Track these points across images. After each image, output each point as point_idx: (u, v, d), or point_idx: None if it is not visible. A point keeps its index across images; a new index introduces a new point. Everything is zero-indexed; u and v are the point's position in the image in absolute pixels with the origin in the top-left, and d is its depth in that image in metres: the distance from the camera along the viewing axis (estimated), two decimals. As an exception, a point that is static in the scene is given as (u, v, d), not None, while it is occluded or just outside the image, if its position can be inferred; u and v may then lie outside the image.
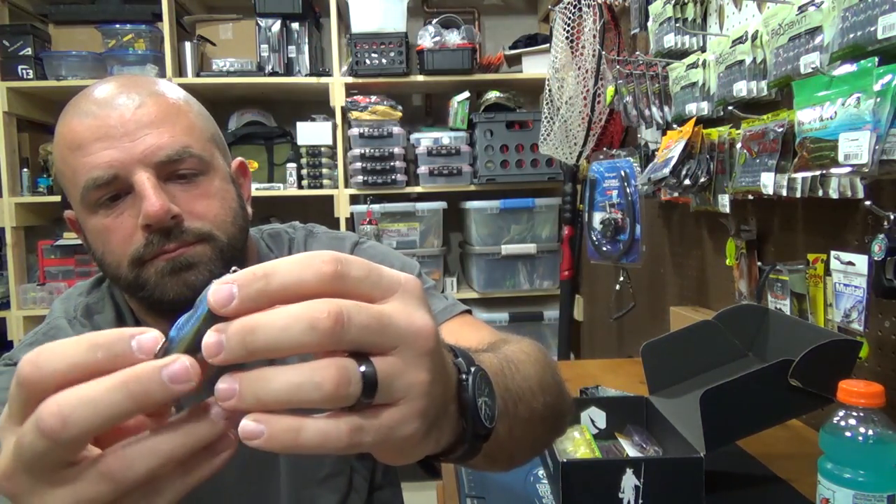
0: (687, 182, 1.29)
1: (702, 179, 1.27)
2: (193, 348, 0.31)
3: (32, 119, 2.65)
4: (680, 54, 1.40)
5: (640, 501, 0.81)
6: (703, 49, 1.35)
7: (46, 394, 0.30)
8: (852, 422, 0.66)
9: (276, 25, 2.55)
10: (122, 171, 0.69)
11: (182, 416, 0.32)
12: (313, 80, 2.56)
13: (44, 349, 0.31)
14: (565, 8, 1.92)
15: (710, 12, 1.37)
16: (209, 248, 0.72)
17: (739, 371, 0.85)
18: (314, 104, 2.72)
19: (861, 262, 0.90)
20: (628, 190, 1.62)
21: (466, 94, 2.61)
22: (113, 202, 0.70)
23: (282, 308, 0.31)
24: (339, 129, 2.57)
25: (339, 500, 0.84)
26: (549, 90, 2.04)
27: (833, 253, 0.96)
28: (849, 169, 0.82)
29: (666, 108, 1.48)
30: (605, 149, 1.81)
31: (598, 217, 1.74)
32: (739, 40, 1.14)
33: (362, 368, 0.32)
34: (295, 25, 2.59)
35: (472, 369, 0.42)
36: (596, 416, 1.06)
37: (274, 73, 2.56)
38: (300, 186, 2.62)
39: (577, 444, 0.96)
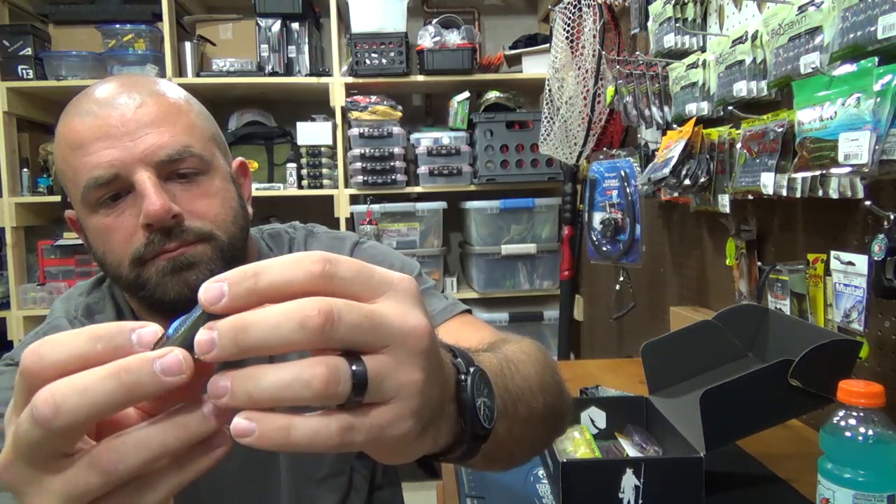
0: (687, 182, 1.29)
1: (702, 179, 1.27)
2: (188, 346, 0.31)
3: (32, 119, 2.65)
4: (680, 54, 1.40)
5: (640, 501, 0.81)
6: (703, 49, 1.35)
7: (46, 384, 0.31)
8: (852, 422, 0.66)
9: (276, 25, 2.55)
10: (122, 170, 0.69)
11: (174, 411, 0.32)
12: (313, 80, 2.56)
13: (46, 340, 0.32)
14: (565, 8, 1.92)
15: (710, 12, 1.37)
16: (210, 248, 0.72)
17: (739, 371, 0.85)
18: (314, 104, 2.72)
19: (861, 262, 0.90)
20: (628, 190, 1.62)
21: (466, 94, 2.61)
22: (114, 201, 0.70)
23: (274, 306, 0.31)
24: (339, 129, 2.57)
25: (339, 499, 0.84)
26: (549, 90, 2.04)
27: (833, 253, 0.96)
28: (849, 169, 0.82)
29: (666, 108, 1.48)
30: (605, 149, 1.81)
31: (598, 217, 1.74)
32: (739, 40, 1.14)
33: (353, 367, 0.32)
34: (295, 25, 2.59)
35: (471, 369, 0.42)
36: (596, 416, 1.06)
37: (274, 73, 2.56)
38: (300, 186, 2.62)
39: (577, 444, 0.97)
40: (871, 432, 0.65)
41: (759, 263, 1.23)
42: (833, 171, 0.85)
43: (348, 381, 0.31)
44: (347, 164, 2.59)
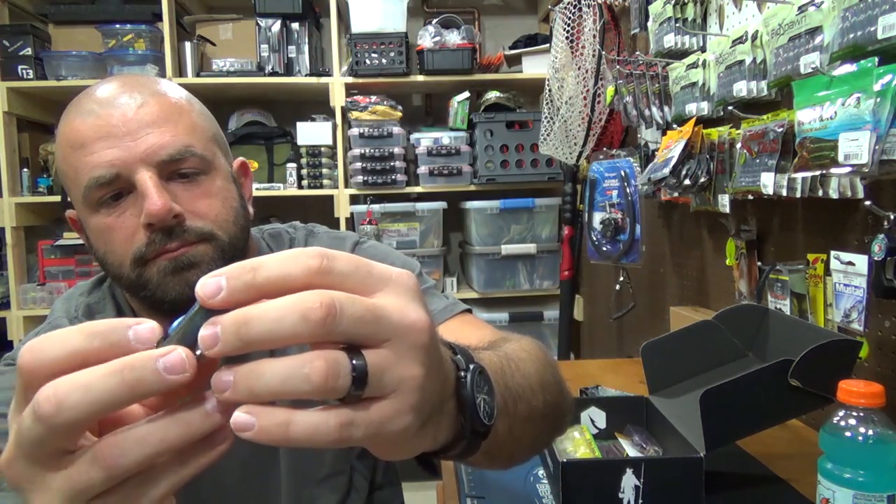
0: (687, 182, 1.29)
1: (702, 179, 1.27)
2: (189, 343, 0.31)
3: (32, 119, 2.65)
4: (680, 54, 1.40)
5: (640, 501, 0.81)
6: (703, 49, 1.35)
7: (45, 381, 0.31)
8: (852, 422, 0.66)
9: (276, 25, 2.55)
10: (124, 170, 0.69)
11: (177, 407, 0.32)
12: (313, 80, 2.56)
13: (44, 337, 0.32)
14: (565, 8, 1.92)
15: (710, 12, 1.37)
16: (211, 248, 0.72)
17: (739, 371, 0.85)
18: (314, 104, 2.72)
19: (861, 262, 0.90)
20: (628, 190, 1.62)
21: (466, 94, 2.62)
22: (115, 201, 0.70)
23: (276, 300, 0.31)
24: (339, 129, 2.58)
25: (339, 499, 0.84)
26: (549, 90, 2.04)
27: (833, 253, 0.96)
28: (849, 169, 0.82)
29: (666, 108, 1.48)
30: (605, 149, 1.81)
31: (598, 217, 1.74)
32: (739, 40, 1.14)
33: (353, 361, 0.32)
34: (295, 25, 2.59)
35: (471, 366, 0.42)
36: (596, 416, 1.06)
37: (274, 73, 2.56)
38: (300, 186, 2.62)
39: (577, 444, 0.97)
40: (871, 432, 0.65)
41: (759, 263, 1.23)
42: (833, 171, 0.85)
43: (348, 375, 0.31)
44: (347, 164, 2.59)
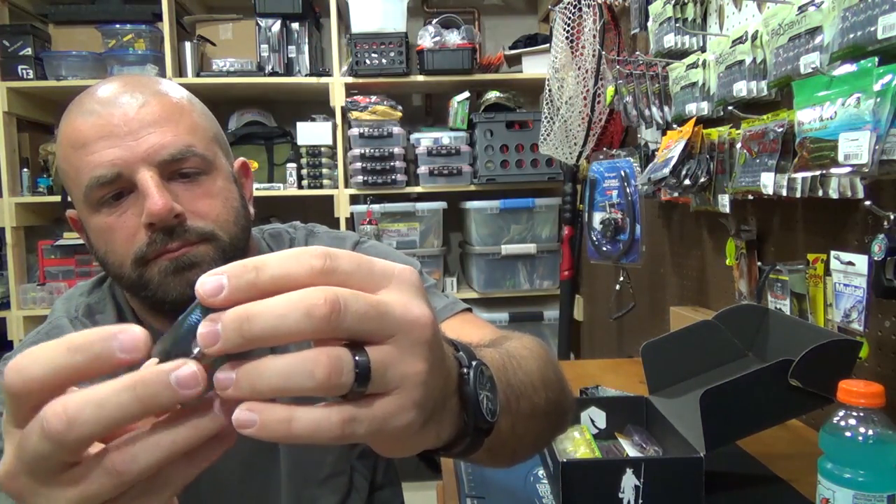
0: (687, 182, 1.29)
1: (702, 179, 1.27)
2: (186, 343, 0.31)
3: (32, 119, 2.65)
4: (680, 54, 1.40)
5: (640, 501, 0.81)
6: (703, 49, 1.35)
7: (32, 399, 0.31)
8: (852, 422, 0.66)
9: (276, 25, 2.55)
10: (125, 169, 0.69)
11: (186, 410, 0.32)
12: (313, 80, 2.56)
13: (26, 354, 0.31)
14: (565, 8, 1.92)
15: (710, 12, 1.37)
16: (212, 248, 0.72)
17: (739, 371, 0.85)
18: (314, 104, 2.72)
19: (861, 262, 0.90)
20: (628, 190, 1.62)
21: (466, 94, 2.62)
22: (116, 201, 0.70)
23: (279, 296, 0.31)
24: (339, 129, 2.58)
25: (339, 500, 0.84)
26: (549, 90, 2.04)
27: (833, 253, 0.96)
28: (849, 169, 0.82)
29: (666, 108, 1.48)
30: (605, 149, 1.81)
31: (598, 217, 1.74)
32: (739, 40, 1.14)
33: (356, 357, 0.32)
34: (295, 25, 2.59)
35: (473, 363, 0.42)
36: (596, 416, 1.06)
37: (274, 73, 2.56)
38: (300, 186, 2.62)
39: (577, 444, 0.97)
40: (871, 432, 0.65)
41: (759, 263, 1.23)
42: (833, 171, 0.85)
43: (351, 372, 0.31)
44: (347, 164, 2.59)
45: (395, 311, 0.33)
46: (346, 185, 2.60)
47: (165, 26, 2.45)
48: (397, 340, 0.33)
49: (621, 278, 1.81)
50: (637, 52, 1.59)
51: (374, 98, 2.58)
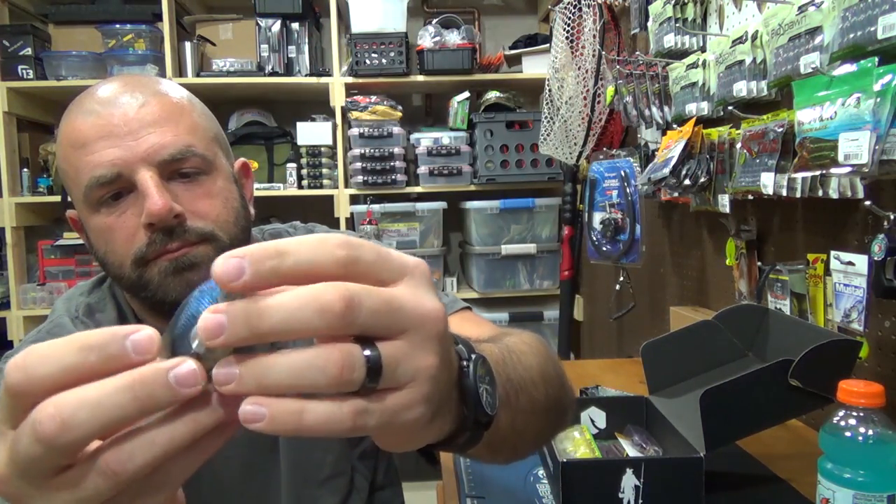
0: (687, 182, 1.29)
1: (702, 179, 1.27)
2: (188, 333, 0.30)
3: (32, 119, 2.65)
4: (680, 54, 1.40)
5: (640, 501, 0.81)
6: (703, 49, 1.35)
7: (34, 398, 0.29)
8: (852, 422, 0.66)
9: (276, 25, 2.55)
10: (125, 169, 0.69)
11: (182, 404, 0.31)
12: (313, 80, 2.56)
13: (32, 351, 0.30)
14: (565, 8, 1.92)
15: (710, 12, 1.37)
16: (211, 249, 0.72)
17: (739, 371, 0.85)
18: (314, 104, 2.72)
19: (861, 262, 0.90)
20: (628, 190, 1.62)
21: (466, 94, 2.62)
22: (115, 201, 0.70)
23: (291, 291, 0.30)
24: (339, 129, 2.58)
25: (340, 500, 0.84)
26: (549, 90, 2.04)
27: (833, 253, 0.96)
28: (849, 169, 0.82)
29: (666, 108, 1.48)
30: (605, 149, 1.81)
31: (598, 217, 1.74)
32: (739, 40, 1.14)
33: (366, 353, 0.31)
34: (295, 25, 2.59)
35: (473, 356, 0.42)
36: (596, 416, 1.06)
37: (274, 73, 2.56)
38: (300, 186, 2.62)
39: (577, 444, 0.97)
40: (871, 432, 0.65)
41: (759, 263, 1.23)
42: (833, 171, 0.85)
43: (363, 368, 0.31)
44: (347, 164, 2.59)
45: (408, 307, 0.33)
46: (346, 185, 2.60)
47: (165, 26, 2.45)
48: (409, 335, 0.33)
49: (621, 278, 1.81)
50: (637, 52, 1.59)
51: (374, 98, 2.58)
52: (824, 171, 0.87)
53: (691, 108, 1.32)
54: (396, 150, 2.55)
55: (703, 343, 1.06)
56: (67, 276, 2.60)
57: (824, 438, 0.69)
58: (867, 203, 0.90)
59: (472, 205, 2.59)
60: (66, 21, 2.59)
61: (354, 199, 2.63)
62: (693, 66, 1.31)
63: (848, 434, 0.66)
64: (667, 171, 1.30)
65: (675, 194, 1.42)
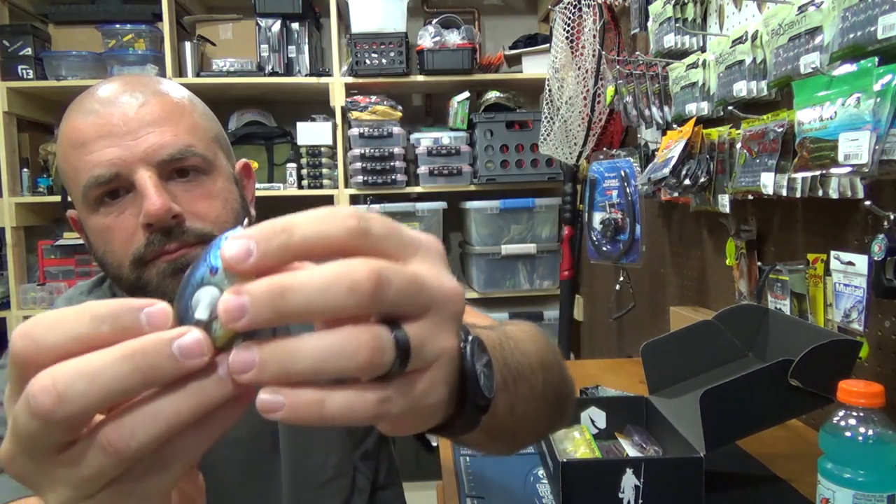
0: (687, 182, 1.29)
1: (702, 179, 1.27)
2: (190, 307, 0.29)
3: (32, 119, 2.65)
4: (680, 54, 1.40)
5: (640, 501, 0.81)
6: (703, 49, 1.35)
7: (40, 370, 0.27)
8: (852, 422, 0.66)
9: (276, 25, 2.55)
10: (123, 169, 0.69)
11: (188, 377, 0.28)
12: (313, 80, 2.56)
13: (39, 319, 0.28)
14: (565, 8, 1.92)
15: (710, 12, 1.37)
16: None
17: (739, 371, 0.85)
18: (314, 104, 2.72)
19: (861, 262, 0.90)
20: (628, 190, 1.62)
21: (466, 94, 2.62)
22: (113, 200, 0.70)
23: (319, 268, 0.28)
24: (339, 129, 2.58)
25: (342, 503, 0.84)
26: (549, 90, 2.04)
27: (833, 253, 0.96)
28: (849, 169, 0.82)
29: (666, 108, 1.48)
30: (605, 149, 1.81)
31: (598, 217, 1.74)
32: (739, 40, 1.14)
33: (394, 334, 0.29)
34: (295, 25, 2.59)
35: (470, 338, 0.40)
36: (596, 416, 1.06)
37: (274, 73, 2.56)
38: (300, 186, 2.62)
39: (577, 444, 0.97)
40: (871, 432, 0.65)
41: (759, 263, 1.23)
42: (833, 171, 0.85)
43: (392, 350, 0.29)
44: (347, 164, 2.59)
45: (432, 285, 0.31)
46: (346, 185, 2.60)
47: (165, 26, 2.45)
48: (432, 315, 0.31)
49: (621, 278, 1.81)
50: (637, 52, 1.59)
51: (374, 98, 2.58)
52: (824, 171, 0.87)
53: (691, 108, 1.32)
54: (396, 150, 2.55)
55: (703, 343, 1.06)
56: (67, 276, 2.60)
57: (824, 438, 0.69)
58: (867, 203, 0.90)
59: (472, 205, 2.59)
60: (66, 21, 2.60)
61: (354, 200, 2.63)
62: (693, 66, 1.31)
63: (848, 434, 0.66)
64: (667, 171, 1.30)
65: (675, 194, 1.42)
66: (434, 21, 2.60)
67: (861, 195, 0.92)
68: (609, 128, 1.94)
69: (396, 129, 2.56)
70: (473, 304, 2.60)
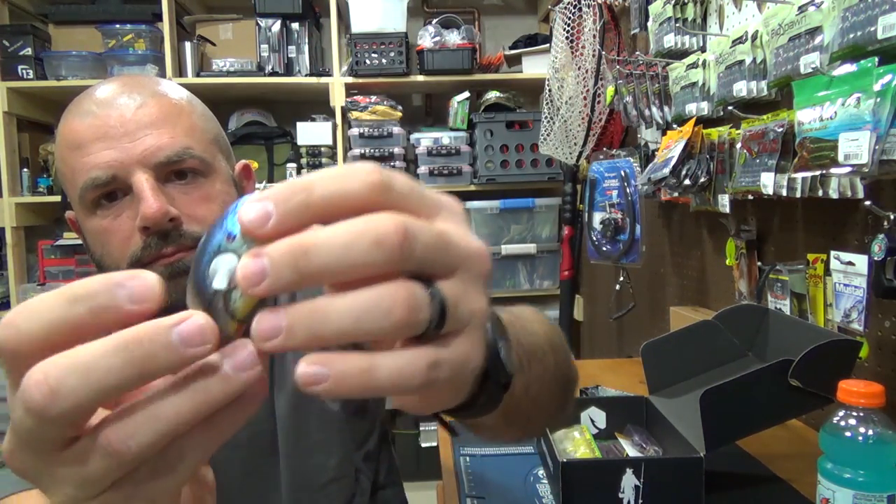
0: (687, 182, 1.29)
1: (702, 179, 1.27)
2: (208, 279, 0.27)
3: (32, 119, 2.65)
4: (680, 54, 1.40)
5: (640, 501, 0.81)
6: (703, 49, 1.35)
7: (32, 361, 0.25)
8: (852, 422, 0.66)
9: (276, 25, 2.55)
10: (121, 171, 0.68)
11: (190, 373, 0.27)
12: (313, 80, 2.56)
13: (22, 307, 0.26)
14: (565, 8, 1.92)
15: (710, 12, 1.37)
16: None
17: (739, 371, 0.85)
18: (314, 104, 2.72)
19: (861, 262, 0.90)
20: (628, 190, 1.62)
21: (466, 94, 2.62)
22: (110, 202, 0.70)
23: (340, 223, 0.26)
24: (339, 129, 2.58)
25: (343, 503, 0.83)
26: (549, 90, 2.04)
27: (833, 253, 0.96)
28: (849, 169, 0.82)
29: (666, 108, 1.48)
30: (605, 149, 1.81)
31: (598, 217, 1.74)
32: (739, 40, 1.14)
33: (430, 290, 0.27)
34: (295, 25, 2.59)
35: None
36: (596, 416, 1.06)
37: (274, 73, 2.56)
38: (300, 186, 2.61)
39: (577, 444, 0.97)
40: (871, 432, 0.65)
41: (759, 263, 1.23)
42: (833, 171, 0.85)
43: (428, 308, 0.27)
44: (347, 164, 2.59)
45: (458, 243, 0.29)
46: (346, 185, 2.60)
47: (165, 26, 2.45)
48: (461, 274, 0.29)
49: (621, 278, 1.81)
50: (637, 52, 1.59)
51: (374, 98, 2.58)
52: (824, 171, 0.87)
53: (691, 108, 1.32)
54: (396, 150, 2.55)
55: (703, 343, 1.06)
56: (67, 276, 2.59)
57: (824, 438, 0.69)
58: (867, 203, 0.90)
59: (472, 205, 2.59)
60: (66, 21, 2.60)
61: (354, 199, 2.63)
62: (693, 66, 1.31)
63: (848, 434, 0.66)
64: (667, 171, 1.30)
65: (675, 194, 1.42)
66: (434, 21, 2.60)
67: (861, 195, 0.92)
68: (609, 128, 1.94)
69: (396, 129, 2.56)
70: (473, 304, 2.59)
